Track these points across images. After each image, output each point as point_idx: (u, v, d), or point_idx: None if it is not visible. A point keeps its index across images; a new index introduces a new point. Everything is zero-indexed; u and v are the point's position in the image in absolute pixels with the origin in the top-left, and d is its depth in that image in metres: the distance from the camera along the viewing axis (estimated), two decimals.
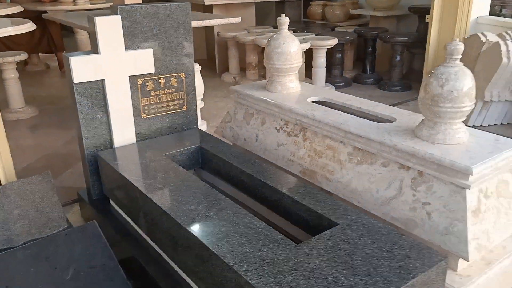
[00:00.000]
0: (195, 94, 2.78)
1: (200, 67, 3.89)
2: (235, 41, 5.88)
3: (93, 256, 1.79)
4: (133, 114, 2.55)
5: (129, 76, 2.46)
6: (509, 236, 2.06)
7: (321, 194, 1.97)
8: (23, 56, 4.76)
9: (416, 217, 1.93)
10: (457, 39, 1.92)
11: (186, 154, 2.47)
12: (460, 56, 1.92)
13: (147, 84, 2.56)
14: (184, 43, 2.63)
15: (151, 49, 2.50)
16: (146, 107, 2.60)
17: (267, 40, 2.92)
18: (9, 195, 2.31)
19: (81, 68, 2.30)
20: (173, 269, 1.99)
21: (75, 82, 2.30)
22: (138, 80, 2.52)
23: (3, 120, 2.63)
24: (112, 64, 2.38)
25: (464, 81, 1.90)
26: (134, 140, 2.58)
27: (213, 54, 6.90)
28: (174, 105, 2.71)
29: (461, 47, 1.90)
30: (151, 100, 2.61)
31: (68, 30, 8.19)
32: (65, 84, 6.37)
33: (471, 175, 1.76)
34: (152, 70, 2.53)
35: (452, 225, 1.82)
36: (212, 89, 5.59)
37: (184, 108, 2.75)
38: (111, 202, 2.54)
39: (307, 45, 4.95)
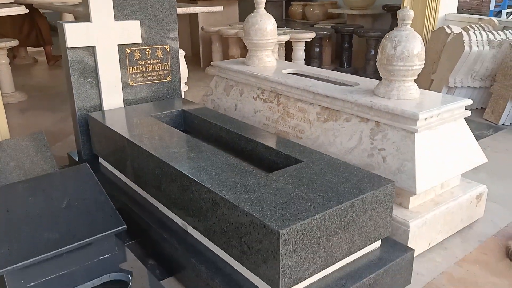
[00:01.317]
0: (178, 66, 3.02)
1: (184, 52, 4.13)
2: (219, 35, 6.14)
3: (85, 191, 2.00)
4: (121, 81, 2.78)
5: (118, 45, 2.69)
6: (454, 179, 2.34)
7: (289, 141, 2.22)
8: (14, 42, 4.94)
9: (374, 162, 2.19)
10: (408, 7, 2.21)
11: (170, 116, 2.70)
12: (411, 22, 2.20)
13: (134, 53, 2.79)
14: (169, 17, 2.87)
15: (138, 21, 2.74)
16: (133, 75, 2.83)
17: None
18: (5, 150, 2.50)
19: (74, 34, 2.52)
20: (157, 209, 2.21)
21: (68, 46, 2.52)
22: (126, 49, 2.75)
23: None
24: (102, 32, 2.60)
25: (414, 43, 2.18)
26: (122, 105, 2.80)
27: (197, 50, 7.15)
28: (159, 75, 2.94)
29: (411, 13, 2.18)
30: (138, 69, 2.84)
31: (55, 31, 8.36)
32: (52, 75, 6.54)
33: (418, 120, 2.03)
34: (139, 41, 2.77)
35: (403, 165, 2.08)
36: (196, 80, 5.83)
37: (169, 78, 2.98)
38: (100, 160, 2.75)
39: (286, 37, 5.23)
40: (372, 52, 5.73)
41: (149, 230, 2.15)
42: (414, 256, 2.07)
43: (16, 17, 7.01)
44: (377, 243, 1.90)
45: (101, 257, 1.92)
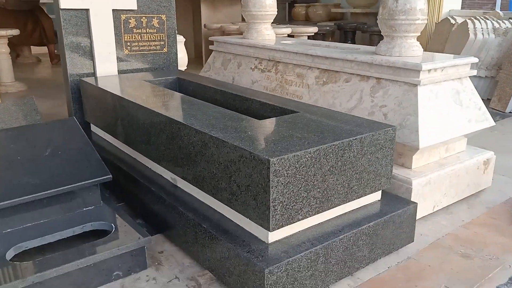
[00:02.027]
0: (175, 38, 2.95)
1: (184, 39, 4.08)
2: (221, 31, 6.10)
3: (70, 141, 1.91)
4: (116, 49, 2.71)
5: (112, 10, 2.63)
6: (460, 144, 2.22)
7: (285, 98, 2.12)
8: (15, 31, 4.92)
9: (374, 119, 2.07)
10: None
11: (165, 83, 2.62)
12: None
13: (129, 20, 2.73)
14: None
15: None
16: (128, 43, 2.76)
17: None
18: None
19: None
20: (147, 167, 2.11)
21: (61, 7, 2.46)
22: (122, 15, 2.69)
23: None
24: None
25: None
26: (116, 73, 2.73)
27: (200, 53, 7.13)
28: (155, 45, 2.87)
29: None
30: (133, 37, 2.77)
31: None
32: (55, 72, 6.52)
33: (421, 70, 1.93)
34: (134, 7, 2.70)
35: (405, 119, 1.97)
36: None
37: (165, 50, 2.91)
38: (92, 128, 2.66)
39: (288, 30, 5.18)
40: None
41: (138, 188, 2.04)
42: (417, 218, 1.95)
43: (20, 15, 7.06)
44: (377, 196, 1.78)
45: (84, 209, 1.82)
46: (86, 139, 1.93)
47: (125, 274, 1.61)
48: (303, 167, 1.42)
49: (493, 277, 1.62)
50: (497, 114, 3.96)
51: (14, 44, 6.80)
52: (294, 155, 1.39)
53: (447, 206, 2.14)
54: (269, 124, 1.71)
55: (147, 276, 1.63)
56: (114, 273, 1.59)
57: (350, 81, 2.24)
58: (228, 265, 1.50)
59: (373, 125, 1.69)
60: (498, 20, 4.33)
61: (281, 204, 1.40)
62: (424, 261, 1.72)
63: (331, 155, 1.49)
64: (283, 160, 1.36)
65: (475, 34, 4.16)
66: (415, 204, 1.77)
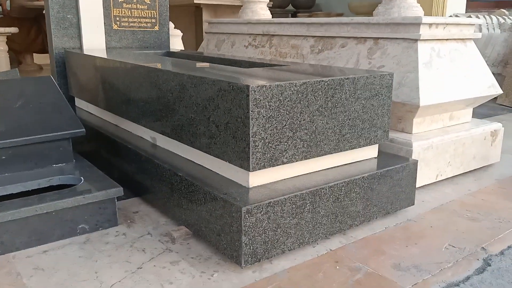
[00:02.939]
0: (167, 17, 2.85)
1: (182, 34, 4.01)
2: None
3: (44, 96, 1.78)
4: (104, 23, 2.61)
5: None
6: (466, 114, 2.07)
7: (277, 59, 1.99)
8: (14, 29, 4.89)
9: None
10: None
11: (154, 54, 2.50)
12: None
13: None
14: None
15: None
16: (117, 18, 2.66)
17: None
18: None
19: None
20: (128, 132, 1.97)
21: None
22: None
23: None
24: None
25: None
26: (104, 48, 2.62)
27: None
28: (146, 22, 2.77)
29: None
30: (123, 12, 2.67)
31: None
32: None
33: (421, 23, 1.80)
34: None
35: (405, 77, 1.83)
36: None
37: (156, 28, 2.81)
38: (76, 103, 2.54)
39: None
40: None
41: (117, 151, 1.89)
42: (419, 186, 1.79)
43: (24, 23, 7.08)
44: (374, 152, 1.62)
45: (54, 165, 1.67)
46: (60, 95, 1.80)
47: (92, 228, 1.45)
48: (288, 101, 1.27)
49: (505, 237, 1.44)
50: (505, 109, 3.80)
51: (16, 52, 6.80)
52: (278, 85, 1.24)
53: (452, 177, 1.96)
54: (254, 70, 1.57)
55: (116, 232, 1.46)
56: (80, 226, 1.43)
57: (347, 46, 2.11)
58: (204, 214, 1.34)
59: (368, 72, 1.54)
60: (504, 16, 4.22)
61: (262, 141, 1.24)
62: (426, 223, 1.54)
63: (319, 93, 1.34)
64: (264, 88, 1.22)
65: (480, 29, 4.04)
66: (415, 161, 1.61)
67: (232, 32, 2.83)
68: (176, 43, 4.02)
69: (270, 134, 1.26)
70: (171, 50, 2.60)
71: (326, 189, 1.35)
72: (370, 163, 1.57)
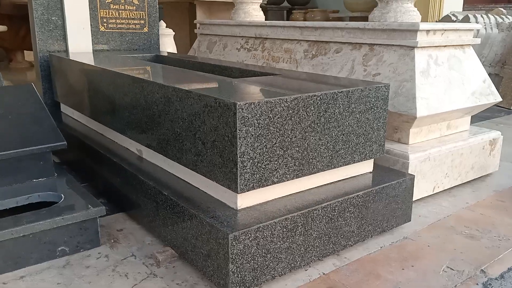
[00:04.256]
0: (157, 18, 2.77)
1: (174, 33, 3.92)
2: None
3: (24, 106, 1.70)
4: (91, 25, 2.52)
5: None
6: (463, 123, 2.01)
7: (267, 66, 1.91)
8: (2, 27, 4.77)
9: None
10: None
11: (142, 59, 2.42)
12: None
13: None
14: None
15: None
16: (104, 20, 2.57)
17: None
18: None
19: None
20: (113, 142, 1.89)
21: None
22: None
23: None
24: None
25: None
26: (91, 52, 2.53)
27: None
28: (135, 24, 2.68)
29: None
30: (110, 13, 2.58)
31: None
32: None
33: (418, 30, 1.72)
34: None
35: (401, 87, 1.76)
36: None
37: (145, 29, 2.72)
38: (62, 109, 2.45)
39: None
40: None
41: (102, 163, 1.81)
42: (415, 199, 1.72)
43: (14, 20, 6.94)
44: (369, 166, 1.55)
45: (34, 180, 1.59)
46: (41, 105, 1.72)
47: (72, 250, 1.38)
48: (278, 118, 1.20)
49: (504, 258, 1.38)
50: (502, 110, 3.74)
51: (7, 49, 6.67)
52: (267, 102, 1.17)
53: (449, 188, 1.90)
54: (243, 82, 1.49)
55: (98, 253, 1.39)
56: (59, 248, 1.35)
57: (341, 51, 2.04)
58: (190, 237, 1.27)
59: (362, 83, 1.47)
60: (502, 16, 4.15)
61: (251, 161, 1.17)
62: (422, 241, 1.48)
63: (312, 108, 1.27)
64: (253, 106, 1.14)
65: (478, 29, 3.97)
66: (412, 176, 1.54)
67: (224, 34, 2.75)
68: (168, 42, 3.92)
69: (259, 154, 1.19)
70: (160, 53, 2.51)
71: (318, 210, 1.28)
72: (364, 178, 1.51)
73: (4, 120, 1.60)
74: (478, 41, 1.98)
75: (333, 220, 1.32)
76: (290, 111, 1.22)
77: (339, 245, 1.37)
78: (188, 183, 1.42)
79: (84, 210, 1.37)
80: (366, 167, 1.54)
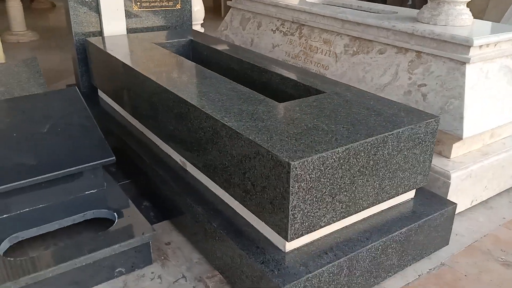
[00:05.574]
0: None
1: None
2: None
3: (70, 115, 1.73)
4: (124, 5, 2.45)
5: None
6: (507, 127, 1.97)
7: (310, 72, 1.87)
8: None
9: (411, 100, 1.83)
10: None
11: (177, 46, 2.38)
12: None
13: None
14: None
15: None
16: (137, 0, 2.50)
17: None
18: None
19: None
20: (155, 145, 1.93)
21: None
22: None
23: (3, 42, 2.55)
24: None
25: None
26: (125, 33, 2.49)
27: (219, 3, 6.75)
28: (168, 1, 2.59)
29: None
30: None
31: None
32: None
33: (472, 46, 1.65)
34: None
35: (448, 103, 1.72)
36: (215, 29, 5.44)
37: (178, 6, 2.64)
38: (99, 93, 2.47)
39: None
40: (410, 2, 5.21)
41: (145, 167, 1.87)
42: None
43: None
44: (411, 193, 1.58)
45: (86, 192, 1.66)
46: (88, 113, 1.74)
47: (128, 270, 1.48)
48: (329, 169, 1.21)
49: None
50: None
51: None
52: (320, 157, 1.18)
53: (487, 199, 1.92)
54: (290, 110, 1.48)
55: (152, 273, 1.49)
56: (117, 270, 1.46)
57: (385, 53, 1.97)
58: (239, 273, 1.35)
59: (412, 114, 1.45)
60: None
61: (301, 212, 1.21)
62: (459, 268, 1.53)
63: (362, 154, 1.27)
64: (306, 163, 1.15)
65: None
66: (454, 205, 1.56)
67: (258, 12, 2.65)
68: (195, 1, 3.79)
69: (309, 205, 1.22)
70: (194, 37, 2.45)
71: (363, 252, 1.33)
72: (406, 207, 1.53)
73: (55, 134, 1.64)
74: None
75: (376, 258, 1.38)
76: (341, 160, 1.23)
77: (379, 277, 1.43)
78: (236, 211, 1.47)
79: (139, 237, 1.44)
80: (408, 194, 1.56)
